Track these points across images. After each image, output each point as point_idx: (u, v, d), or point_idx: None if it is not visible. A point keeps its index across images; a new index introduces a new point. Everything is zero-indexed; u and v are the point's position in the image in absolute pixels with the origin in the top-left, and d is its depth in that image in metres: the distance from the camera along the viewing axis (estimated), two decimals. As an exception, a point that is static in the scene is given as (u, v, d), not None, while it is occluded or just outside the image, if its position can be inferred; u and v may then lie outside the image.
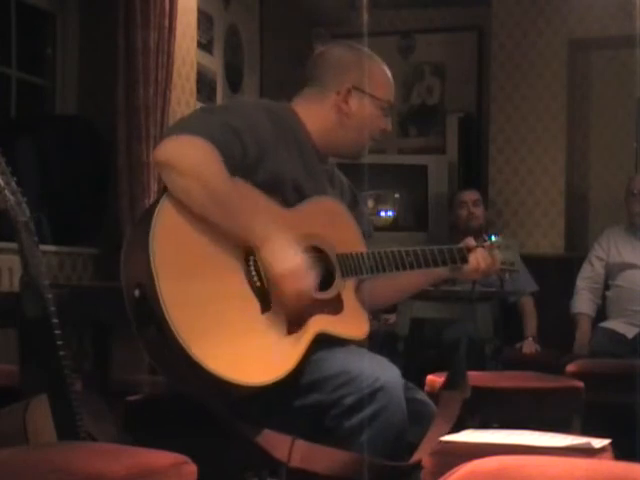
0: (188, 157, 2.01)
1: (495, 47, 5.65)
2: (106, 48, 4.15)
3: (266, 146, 2.12)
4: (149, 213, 1.99)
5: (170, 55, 4.25)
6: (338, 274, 2.18)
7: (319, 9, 5.90)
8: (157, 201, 2.02)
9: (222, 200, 2.01)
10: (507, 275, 2.46)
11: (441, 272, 2.35)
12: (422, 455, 2.01)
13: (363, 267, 2.21)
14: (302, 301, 2.04)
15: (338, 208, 2.29)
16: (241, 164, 2.07)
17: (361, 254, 2.22)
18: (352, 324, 2.19)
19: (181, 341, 1.88)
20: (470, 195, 5.01)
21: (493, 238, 2.38)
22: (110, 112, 4.06)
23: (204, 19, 5.03)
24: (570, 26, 5.51)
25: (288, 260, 2.02)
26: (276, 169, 2.14)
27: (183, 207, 1.99)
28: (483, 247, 2.33)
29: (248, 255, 2.04)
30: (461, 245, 2.32)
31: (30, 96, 4.35)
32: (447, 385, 2.35)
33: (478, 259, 2.30)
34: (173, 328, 1.88)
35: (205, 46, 5.07)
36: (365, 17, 5.63)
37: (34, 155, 3.88)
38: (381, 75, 2.35)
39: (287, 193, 2.15)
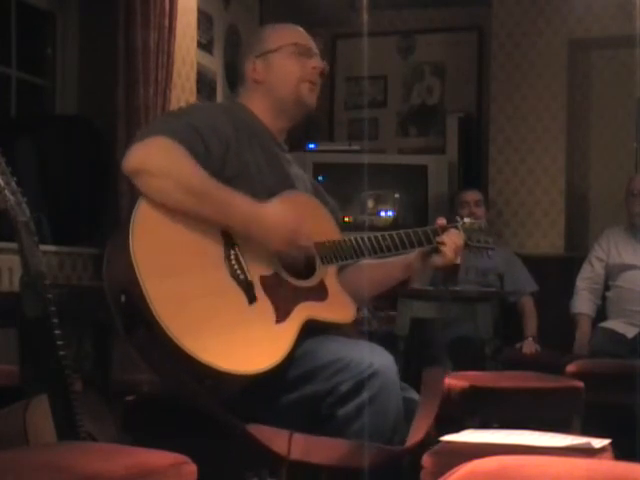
0: (156, 157, 2.04)
1: (495, 47, 5.65)
2: (106, 48, 4.15)
3: (228, 143, 2.16)
4: (126, 220, 2.01)
5: (170, 55, 4.25)
6: (318, 262, 2.22)
7: (319, 9, 5.90)
8: (133, 208, 2.04)
9: (198, 192, 2.03)
10: (486, 253, 2.47)
11: (414, 261, 2.35)
12: (416, 437, 2.02)
13: (341, 253, 2.25)
14: (304, 249, 2.15)
15: (310, 200, 2.34)
16: (205, 162, 2.09)
17: (338, 241, 2.26)
18: (338, 309, 2.22)
19: (172, 336, 1.89)
20: (472, 195, 5.01)
21: (466, 219, 2.42)
22: (110, 112, 4.06)
23: (204, 19, 5.03)
24: (570, 26, 5.51)
25: (287, 222, 2.10)
26: (241, 165, 2.18)
27: (159, 208, 2.02)
28: (455, 227, 2.36)
29: (228, 249, 2.07)
30: (434, 226, 2.34)
31: (30, 96, 4.35)
32: (429, 363, 2.37)
33: (451, 238, 2.31)
34: (163, 325, 1.89)
35: (205, 46, 5.07)
36: (365, 17, 5.63)
37: (34, 155, 3.88)
38: (276, 29, 2.40)
39: (254, 188, 2.17)
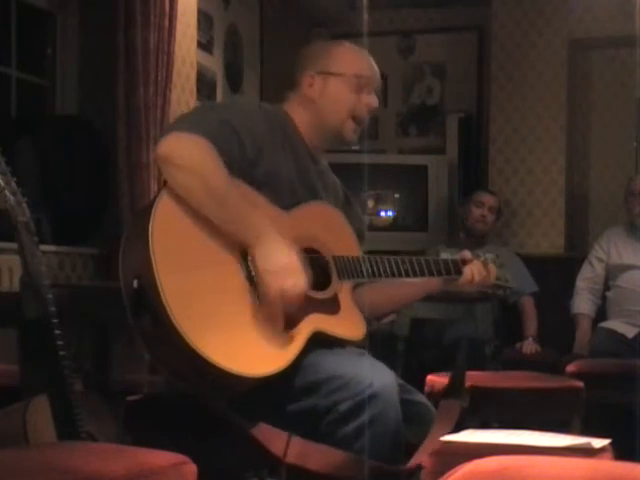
0: (188, 154, 2.04)
1: (495, 47, 5.65)
2: (106, 48, 4.15)
3: (263, 146, 2.16)
4: (148, 207, 2.01)
5: (170, 55, 4.25)
6: (334, 276, 2.20)
7: (319, 9, 5.90)
8: (156, 196, 2.05)
9: (219, 197, 2.03)
10: (501, 291, 2.47)
11: (435, 283, 2.37)
12: (419, 459, 2.01)
13: (359, 270, 2.23)
14: (288, 300, 2.03)
15: (334, 212, 2.32)
16: (239, 162, 2.10)
17: (357, 258, 2.24)
18: (349, 325, 2.20)
19: (179, 330, 1.89)
20: (490, 199, 5.02)
21: (487, 255, 2.42)
22: (110, 112, 4.06)
23: (204, 19, 5.03)
24: (570, 26, 5.51)
25: (277, 258, 2.03)
26: (272, 169, 2.17)
27: (182, 201, 2.02)
28: (478, 260, 2.36)
29: (246, 250, 2.06)
30: (457, 257, 2.34)
31: (30, 96, 4.35)
32: (446, 394, 2.36)
33: (473, 271, 2.32)
34: (172, 317, 1.89)
35: (205, 46, 5.07)
36: (365, 17, 5.63)
37: (34, 155, 3.88)
38: (346, 53, 2.34)
39: (281, 193, 2.17)
